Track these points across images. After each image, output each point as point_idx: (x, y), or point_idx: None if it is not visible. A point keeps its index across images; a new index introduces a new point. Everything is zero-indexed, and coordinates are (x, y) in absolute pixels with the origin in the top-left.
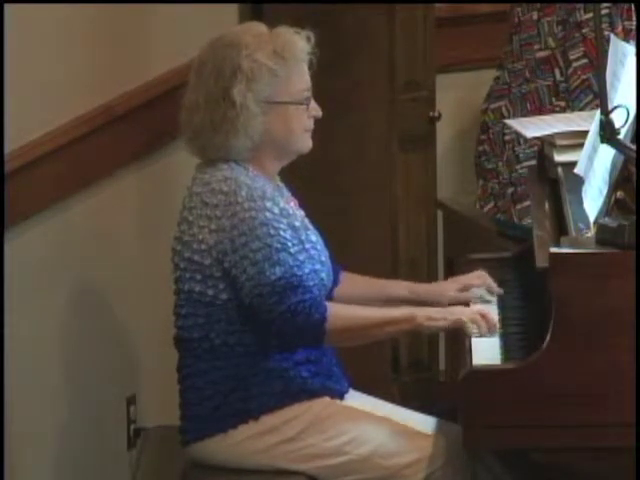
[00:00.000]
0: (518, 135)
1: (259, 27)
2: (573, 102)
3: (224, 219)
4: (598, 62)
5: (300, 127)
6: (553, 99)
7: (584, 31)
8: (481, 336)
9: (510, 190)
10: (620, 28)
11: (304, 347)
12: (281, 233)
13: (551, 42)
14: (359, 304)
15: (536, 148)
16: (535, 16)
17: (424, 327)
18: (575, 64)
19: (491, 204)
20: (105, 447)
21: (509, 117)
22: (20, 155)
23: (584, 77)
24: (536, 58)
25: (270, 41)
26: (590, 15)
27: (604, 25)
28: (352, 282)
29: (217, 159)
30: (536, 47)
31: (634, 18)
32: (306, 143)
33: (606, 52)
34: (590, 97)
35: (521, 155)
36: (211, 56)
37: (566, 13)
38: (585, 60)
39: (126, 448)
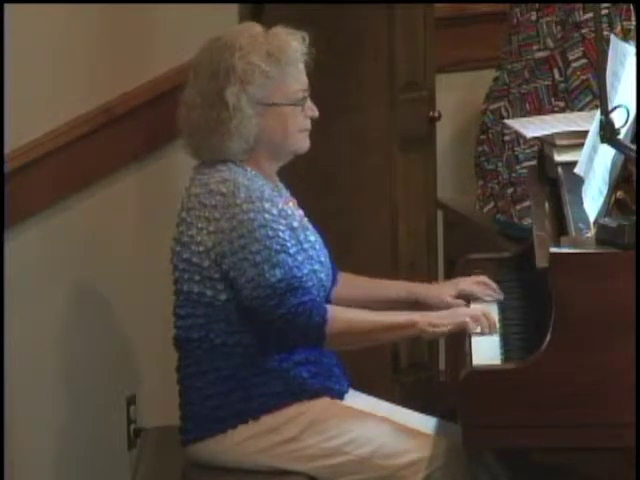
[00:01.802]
0: (517, 135)
1: (254, 28)
2: (572, 102)
3: (223, 221)
4: (598, 62)
5: (295, 127)
6: (552, 99)
7: (583, 31)
8: (482, 334)
9: (510, 190)
10: (619, 28)
11: (304, 348)
12: (280, 234)
13: (550, 42)
14: (357, 305)
15: (536, 148)
16: (534, 16)
17: (426, 333)
18: (574, 64)
19: (491, 204)
20: (105, 447)
21: (508, 117)
22: (20, 155)
23: (583, 77)
24: (535, 58)
25: (265, 42)
26: (589, 15)
27: (603, 25)
28: (349, 283)
29: (213, 160)
30: (535, 47)
31: (633, 18)
32: (302, 143)
33: (606, 52)
34: (590, 97)
35: (520, 156)
36: (207, 56)
37: (565, 14)
38: (584, 60)
39: (126, 448)
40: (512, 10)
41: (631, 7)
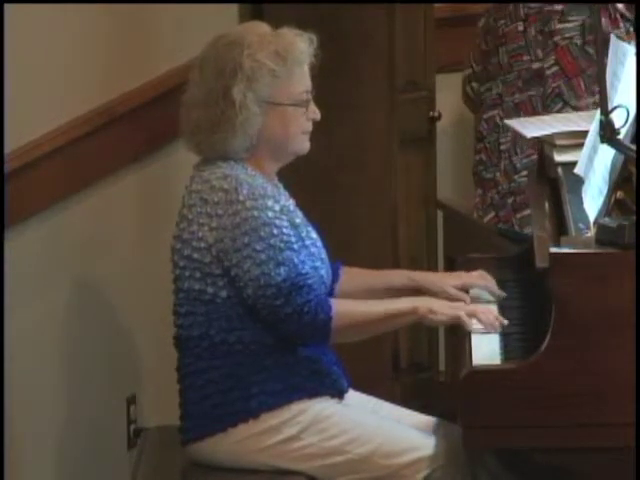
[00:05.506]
0: (514, 144)
1: (262, 27)
2: (546, 110)
3: (225, 217)
4: (598, 62)
5: (298, 129)
6: (547, 105)
7: (555, 39)
8: (485, 332)
9: (510, 200)
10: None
11: (309, 344)
12: (284, 231)
13: (540, 53)
14: (361, 296)
15: (533, 157)
16: (521, 27)
17: (426, 319)
18: (547, 72)
19: (492, 214)
20: (105, 447)
21: (503, 126)
22: (20, 155)
23: (554, 85)
24: (529, 69)
25: (272, 42)
26: (563, 26)
27: (575, 34)
28: (352, 275)
29: (214, 158)
30: (526, 58)
31: (634, 18)
32: (303, 145)
33: (579, 58)
34: (560, 104)
35: (518, 165)
36: (214, 53)
37: (542, 23)
38: (556, 68)
39: (126, 448)
40: (495, 23)
41: (629, 8)
